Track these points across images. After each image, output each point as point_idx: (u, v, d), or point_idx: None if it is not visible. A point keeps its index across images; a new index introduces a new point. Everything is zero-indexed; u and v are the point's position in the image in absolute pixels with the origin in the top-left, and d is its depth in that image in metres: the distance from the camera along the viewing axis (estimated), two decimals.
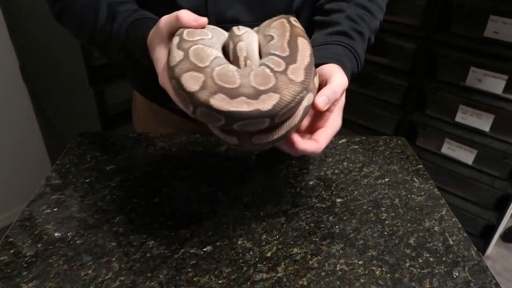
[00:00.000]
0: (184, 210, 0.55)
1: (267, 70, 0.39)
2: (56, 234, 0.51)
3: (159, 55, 0.45)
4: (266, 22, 0.47)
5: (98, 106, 1.43)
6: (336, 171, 0.64)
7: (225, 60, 0.42)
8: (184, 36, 0.43)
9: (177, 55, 0.41)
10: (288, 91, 0.38)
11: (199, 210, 0.55)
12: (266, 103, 0.37)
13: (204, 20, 0.44)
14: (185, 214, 0.54)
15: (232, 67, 0.40)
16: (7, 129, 1.56)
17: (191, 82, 0.38)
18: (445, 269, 0.47)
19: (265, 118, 0.38)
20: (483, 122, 1.48)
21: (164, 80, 0.45)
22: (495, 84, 1.42)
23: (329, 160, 0.67)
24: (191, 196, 0.58)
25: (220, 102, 0.37)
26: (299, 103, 0.40)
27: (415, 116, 1.64)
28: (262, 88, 0.38)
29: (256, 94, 0.37)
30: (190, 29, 0.44)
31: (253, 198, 0.58)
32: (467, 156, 1.56)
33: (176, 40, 0.43)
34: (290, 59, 0.39)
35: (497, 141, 1.47)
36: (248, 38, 0.44)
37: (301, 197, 0.58)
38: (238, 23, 0.59)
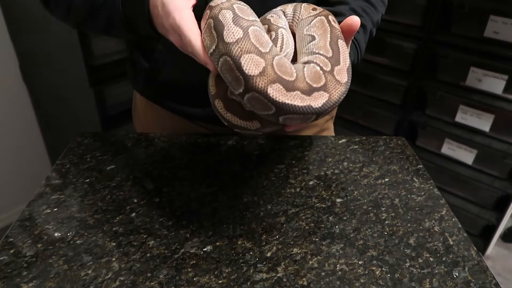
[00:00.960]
0: (184, 210, 0.55)
1: (318, 68, 0.40)
2: (56, 234, 0.51)
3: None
4: (302, 13, 0.48)
5: (98, 106, 1.43)
6: (336, 171, 0.64)
7: (278, 49, 0.43)
8: (238, 12, 0.42)
9: (236, 31, 0.39)
10: (336, 91, 0.40)
11: (199, 210, 0.55)
12: (318, 101, 0.39)
13: None
14: (185, 214, 0.54)
15: (286, 59, 0.41)
16: (7, 129, 1.55)
17: (252, 65, 0.38)
18: (445, 269, 0.47)
19: (313, 114, 0.40)
20: (483, 122, 1.48)
21: (169, 27, 0.43)
22: (495, 84, 1.42)
23: (329, 160, 0.67)
24: (191, 196, 0.58)
25: (277, 92, 0.38)
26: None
27: (415, 116, 1.64)
28: (315, 85, 0.39)
29: (310, 91, 0.39)
30: (240, 5, 0.43)
31: (253, 198, 0.58)
32: (467, 156, 1.56)
33: (229, 14, 0.41)
34: (335, 60, 0.41)
35: (497, 141, 1.47)
36: (287, 31, 0.47)
37: (301, 197, 0.58)
38: None
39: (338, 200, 0.58)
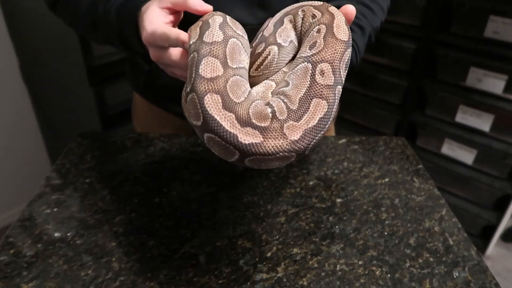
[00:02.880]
0: (184, 210, 0.55)
1: (269, 110, 0.36)
2: (56, 234, 0.51)
3: (150, 12, 0.43)
4: (304, 23, 0.43)
5: (98, 106, 1.43)
6: (336, 171, 0.64)
7: (253, 68, 0.42)
8: (228, 21, 0.41)
9: (217, 35, 0.38)
10: (273, 143, 0.35)
11: (199, 210, 0.55)
12: (246, 137, 0.35)
13: (209, 7, 0.42)
14: (185, 214, 0.54)
15: (246, 84, 0.38)
16: (7, 129, 1.55)
17: (208, 68, 0.36)
18: (445, 269, 0.47)
19: (234, 148, 0.35)
20: (483, 122, 1.48)
21: (149, 39, 0.42)
22: (495, 84, 1.42)
23: (329, 160, 0.67)
24: (191, 196, 0.58)
25: (212, 103, 0.35)
26: (280, 158, 0.36)
27: (415, 116, 1.64)
28: (254, 121, 0.35)
29: (246, 123, 0.35)
30: (233, 19, 0.42)
31: (253, 198, 0.58)
32: (467, 156, 1.56)
33: (219, 19, 0.40)
34: (295, 115, 0.36)
35: (497, 141, 1.47)
36: (282, 50, 0.43)
37: (301, 197, 0.58)
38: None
39: (338, 200, 0.58)
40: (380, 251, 0.50)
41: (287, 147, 0.34)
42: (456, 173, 1.59)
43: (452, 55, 1.47)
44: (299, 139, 0.35)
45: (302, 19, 0.43)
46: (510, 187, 1.49)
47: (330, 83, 0.37)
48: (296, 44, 0.44)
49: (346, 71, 0.40)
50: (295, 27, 0.43)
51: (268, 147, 0.34)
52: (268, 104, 0.37)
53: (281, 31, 0.43)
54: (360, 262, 0.48)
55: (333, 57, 0.38)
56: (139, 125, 0.84)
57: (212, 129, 0.34)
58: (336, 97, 0.37)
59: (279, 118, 0.35)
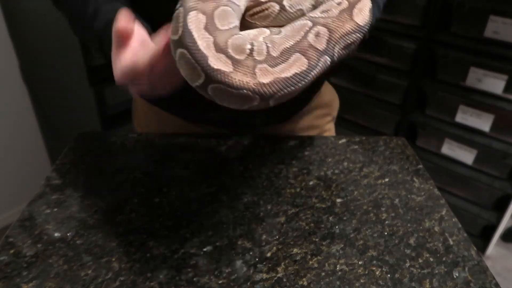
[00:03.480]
0: (184, 210, 0.55)
1: (248, 47, 0.35)
2: (56, 234, 0.51)
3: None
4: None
5: (98, 106, 1.43)
6: (336, 171, 0.64)
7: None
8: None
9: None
10: (238, 77, 0.34)
11: (199, 210, 0.55)
12: (217, 63, 0.34)
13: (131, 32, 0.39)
14: (185, 214, 0.54)
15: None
16: (7, 129, 1.56)
17: (194, 20, 0.35)
18: (445, 269, 0.47)
19: (202, 71, 0.35)
20: (483, 122, 1.48)
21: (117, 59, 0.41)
22: (495, 84, 1.42)
23: (329, 160, 0.67)
24: (191, 196, 0.58)
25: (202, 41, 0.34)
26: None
27: (415, 116, 1.64)
28: (230, 51, 0.34)
29: (222, 50, 0.34)
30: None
31: (253, 198, 0.58)
32: (467, 156, 1.56)
33: None
34: (272, 60, 0.35)
35: (497, 141, 1.47)
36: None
37: (301, 197, 0.58)
38: None
39: (338, 200, 0.58)
40: (380, 251, 0.50)
41: (253, 86, 0.34)
42: (456, 173, 1.59)
43: (452, 55, 1.47)
44: (267, 83, 0.34)
45: None
46: (510, 187, 1.49)
47: (319, 48, 0.36)
48: (306, 13, 0.41)
49: (343, 53, 0.38)
50: None
51: (235, 79, 0.34)
52: (250, 42, 0.36)
53: None
54: (360, 262, 0.48)
55: (336, 29, 0.37)
56: (139, 125, 0.84)
57: (186, 45, 0.34)
58: (319, 64, 0.36)
59: (256, 57, 0.34)
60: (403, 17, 1.55)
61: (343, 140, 0.73)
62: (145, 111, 0.79)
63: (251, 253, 0.49)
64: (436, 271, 0.47)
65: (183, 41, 0.34)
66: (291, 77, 0.35)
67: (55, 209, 0.55)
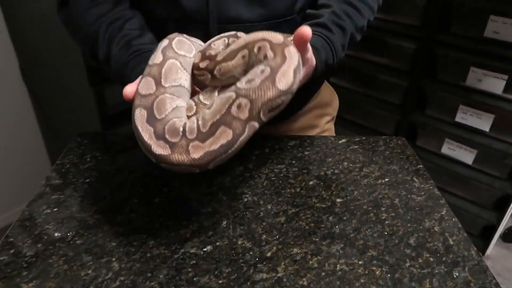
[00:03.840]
0: (184, 210, 0.55)
1: (181, 129, 0.42)
2: (56, 234, 0.51)
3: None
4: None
5: (98, 106, 1.43)
6: (336, 171, 0.64)
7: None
8: (174, 43, 0.48)
9: (157, 57, 0.46)
10: (176, 157, 0.42)
11: (199, 210, 0.55)
12: (159, 149, 0.43)
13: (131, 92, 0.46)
14: (185, 214, 0.54)
15: (169, 98, 0.45)
16: (7, 129, 1.55)
17: (144, 87, 0.45)
18: (445, 269, 0.47)
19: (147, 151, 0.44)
20: (483, 122, 1.48)
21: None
22: (495, 84, 1.42)
23: (329, 160, 0.67)
24: (191, 196, 0.58)
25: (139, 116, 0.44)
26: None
27: (415, 116, 1.64)
28: (167, 136, 0.42)
29: (161, 136, 0.43)
30: (181, 38, 0.49)
31: (253, 198, 0.58)
32: (467, 156, 1.56)
33: (165, 42, 0.48)
34: (202, 136, 0.41)
35: (497, 141, 1.47)
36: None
37: (301, 197, 0.58)
38: (240, 23, 0.59)
39: (338, 200, 0.58)
40: (380, 251, 0.50)
41: (188, 162, 0.41)
42: (456, 173, 1.59)
43: (452, 55, 1.47)
44: (199, 157, 0.41)
45: (255, 56, 0.45)
46: (510, 187, 1.49)
47: (242, 118, 0.40)
48: (238, 77, 0.47)
49: (271, 114, 0.42)
50: (246, 64, 0.46)
51: (173, 159, 0.41)
52: (184, 123, 0.43)
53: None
54: (360, 262, 0.48)
55: (257, 98, 0.40)
56: None
57: (138, 138, 0.43)
58: (245, 131, 0.41)
59: (188, 136, 0.41)
60: (403, 17, 1.55)
61: (343, 140, 0.73)
62: None
63: (251, 253, 0.49)
64: (436, 271, 0.47)
65: (136, 135, 0.44)
66: (218, 148, 0.40)
67: (55, 209, 0.55)
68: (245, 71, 0.45)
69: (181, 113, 0.46)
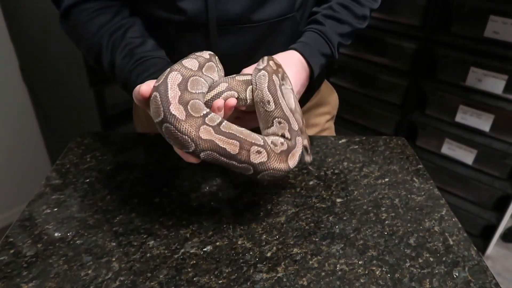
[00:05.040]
0: (184, 210, 0.55)
1: (204, 112, 0.45)
2: (56, 234, 0.51)
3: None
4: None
5: (98, 106, 1.43)
6: (336, 171, 0.64)
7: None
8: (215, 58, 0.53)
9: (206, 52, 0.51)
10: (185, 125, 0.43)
11: (199, 210, 0.55)
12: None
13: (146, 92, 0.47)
14: (185, 214, 0.54)
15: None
16: (7, 129, 1.55)
17: (189, 63, 0.47)
18: (445, 269, 0.47)
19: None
20: (483, 122, 1.48)
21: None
22: (495, 84, 1.42)
23: (329, 160, 0.67)
24: (191, 196, 0.58)
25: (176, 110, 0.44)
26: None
27: (415, 116, 1.64)
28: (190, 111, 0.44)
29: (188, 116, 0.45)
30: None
31: (253, 198, 0.58)
32: (467, 156, 1.56)
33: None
34: (219, 126, 0.44)
35: (497, 141, 1.47)
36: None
37: (301, 197, 0.58)
38: (240, 24, 0.59)
39: (338, 200, 0.58)
40: (380, 251, 0.50)
41: (193, 136, 0.42)
42: (456, 173, 1.59)
43: (452, 55, 1.47)
44: (203, 139, 0.43)
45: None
46: (510, 187, 1.49)
47: (252, 160, 0.45)
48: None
49: (264, 178, 0.47)
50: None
51: (183, 126, 0.42)
52: (208, 111, 0.45)
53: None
54: (360, 262, 0.48)
55: (271, 163, 0.45)
56: (139, 125, 0.84)
57: (159, 90, 0.44)
58: (242, 165, 0.44)
59: (206, 121, 0.43)
60: (403, 17, 1.55)
61: (343, 140, 0.73)
62: (145, 111, 0.79)
63: (251, 253, 0.49)
64: (436, 271, 0.47)
65: (158, 87, 0.44)
66: (221, 147, 0.43)
67: (55, 209, 0.55)
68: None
69: (203, 99, 0.48)
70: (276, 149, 0.46)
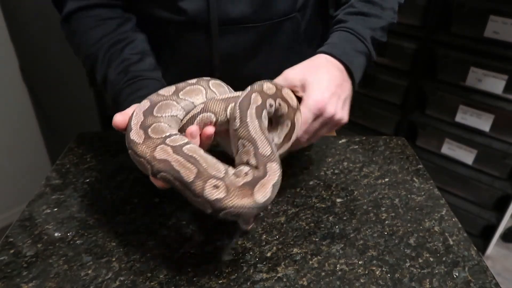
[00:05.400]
0: (184, 210, 0.55)
1: (167, 134, 0.43)
2: (56, 234, 0.51)
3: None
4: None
5: (98, 106, 1.43)
6: (336, 171, 0.64)
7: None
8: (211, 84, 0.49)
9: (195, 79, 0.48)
10: (142, 148, 0.42)
11: (199, 210, 0.55)
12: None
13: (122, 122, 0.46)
14: (185, 214, 0.54)
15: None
16: (7, 129, 1.56)
17: (165, 90, 0.47)
18: (445, 269, 0.47)
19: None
20: (483, 122, 1.48)
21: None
22: (495, 84, 1.42)
23: (329, 160, 0.67)
24: None
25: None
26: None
27: (415, 116, 1.64)
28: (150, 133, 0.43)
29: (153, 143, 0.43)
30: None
31: None
32: (467, 156, 1.56)
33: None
34: (177, 152, 0.40)
35: (497, 141, 1.47)
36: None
37: (301, 197, 0.58)
38: (241, 24, 0.59)
39: (338, 200, 0.58)
40: (380, 251, 0.50)
41: (147, 157, 0.40)
42: (456, 173, 1.59)
43: (452, 55, 1.47)
44: (158, 159, 0.40)
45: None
46: (510, 187, 1.49)
47: (208, 197, 0.38)
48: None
49: (227, 217, 0.40)
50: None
51: (139, 148, 0.41)
52: (170, 133, 0.43)
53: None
54: (360, 262, 0.48)
55: (232, 198, 0.38)
56: None
57: (128, 120, 0.45)
58: (198, 199, 0.39)
59: (167, 142, 0.41)
60: (403, 17, 1.55)
61: (343, 140, 0.73)
62: None
63: (251, 253, 0.49)
64: (436, 271, 0.47)
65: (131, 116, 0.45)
66: (174, 169, 0.38)
67: (55, 209, 0.55)
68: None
69: (174, 124, 0.46)
70: (238, 181, 0.38)
